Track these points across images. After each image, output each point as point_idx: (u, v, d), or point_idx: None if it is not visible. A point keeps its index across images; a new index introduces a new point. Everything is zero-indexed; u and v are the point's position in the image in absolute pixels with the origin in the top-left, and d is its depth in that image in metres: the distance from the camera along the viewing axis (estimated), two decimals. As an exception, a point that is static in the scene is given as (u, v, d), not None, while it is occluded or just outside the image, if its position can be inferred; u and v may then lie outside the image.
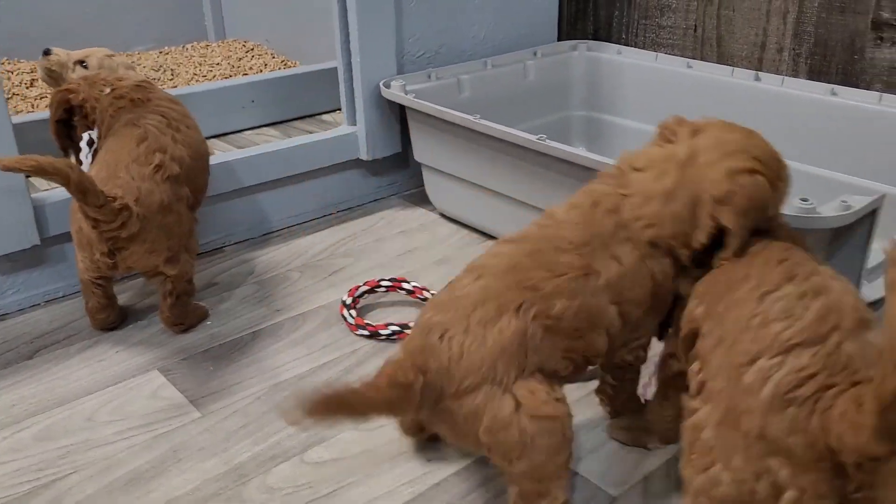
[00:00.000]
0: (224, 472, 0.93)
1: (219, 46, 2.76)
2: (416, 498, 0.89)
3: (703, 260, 0.82)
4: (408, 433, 0.96)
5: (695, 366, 0.75)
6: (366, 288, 1.26)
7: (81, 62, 1.41)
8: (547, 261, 0.79)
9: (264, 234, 1.54)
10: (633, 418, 0.96)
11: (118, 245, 1.05)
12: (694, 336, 0.77)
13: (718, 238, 0.80)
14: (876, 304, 1.18)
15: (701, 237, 0.79)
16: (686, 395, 0.75)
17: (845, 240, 1.05)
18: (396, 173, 1.72)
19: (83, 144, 1.18)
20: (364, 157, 1.61)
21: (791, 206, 0.98)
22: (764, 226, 0.82)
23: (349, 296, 1.24)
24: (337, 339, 1.19)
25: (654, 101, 1.71)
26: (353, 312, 1.21)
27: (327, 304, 1.28)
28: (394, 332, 1.17)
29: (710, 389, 0.70)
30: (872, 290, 1.14)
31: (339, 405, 0.69)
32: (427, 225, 1.58)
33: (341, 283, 1.35)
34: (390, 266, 1.40)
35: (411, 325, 1.10)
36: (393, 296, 1.29)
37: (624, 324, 0.82)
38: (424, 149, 1.57)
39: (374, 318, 1.23)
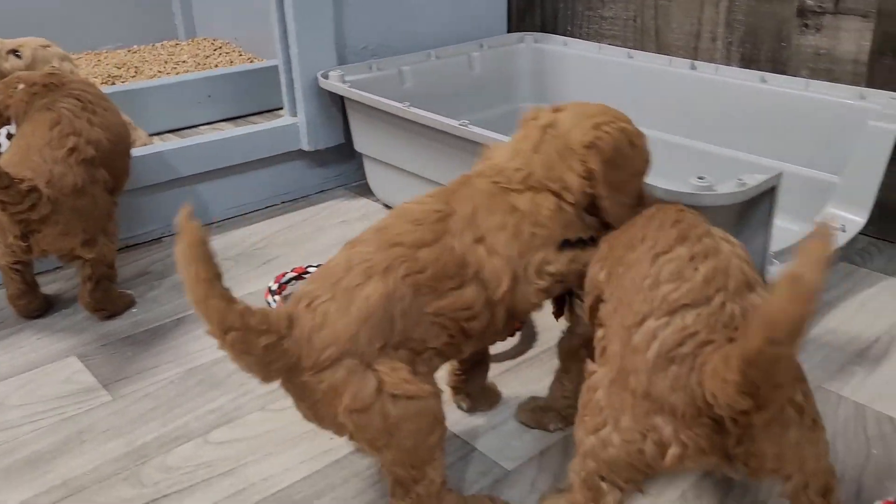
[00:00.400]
0: (125, 452, 0.94)
1: (188, 45, 2.77)
2: (313, 474, 0.90)
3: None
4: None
5: (599, 332, 0.76)
6: (293, 275, 1.27)
7: (15, 51, 1.42)
8: (411, 216, 0.80)
9: (205, 225, 1.53)
10: (536, 399, 0.97)
11: (31, 228, 1.06)
12: (598, 302, 0.78)
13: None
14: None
15: (573, 182, 0.81)
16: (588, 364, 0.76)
17: (749, 218, 1.06)
18: (342, 164, 1.73)
19: (2, 140, 1.19)
20: (306, 147, 1.62)
21: (689, 185, 1.00)
22: (634, 192, 0.85)
23: (275, 282, 1.25)
24: (259, 324, 1.19)
25: (598, 91, 1.72)
26: (277, 298, 1.22)
27: (256, 291, 1.29)
28: None
29: (608, 352, 0.72)
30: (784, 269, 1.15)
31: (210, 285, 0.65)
32: (368, 214, 1.59)
33: (274, 271, 1.36)
34: (325, 255, 1.41)
35: None
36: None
37: (501, 259, 0.80)
38: (363, 139, 1.58)
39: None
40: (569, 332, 0.91)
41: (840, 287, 1.25)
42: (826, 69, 1.41)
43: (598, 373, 0.72)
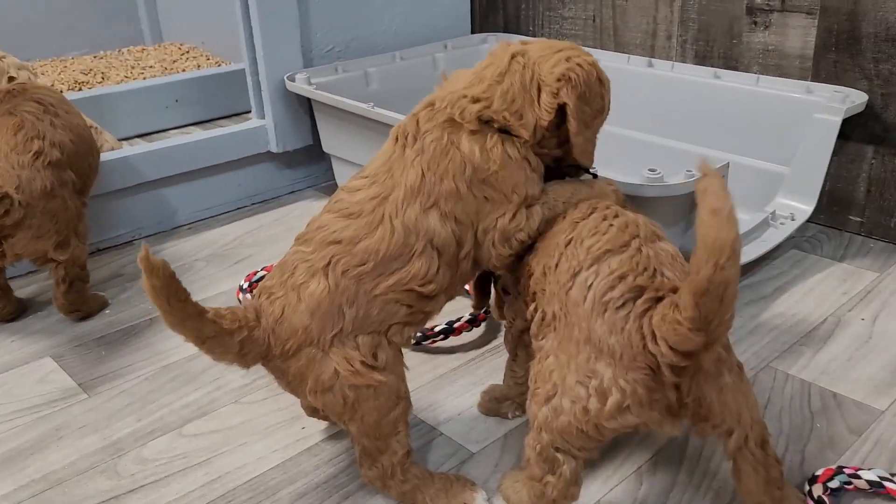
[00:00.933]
0: (102, 447, 0.96)
1: (155, 50, 2.78)
2: (286, 462, 0.93)
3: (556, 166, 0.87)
4: (308, 413, 0.97)
5: (532, 307, 0.81)
6: (263, 273, 1.30)
7: (-34, 66, 1.42)
8: (346, 211, 0.80)
9: (176, 227, 1.58)
10: (494, 389, 1.01)
11: (4, 233, 1.08)
12: (529, 277, 0.83)
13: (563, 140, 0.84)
14: (747, 266, 1.25)
15: (543, 115, 0.81)
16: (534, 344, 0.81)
17: (699, 208, 1.11)
18: (311, 166, 1.76)
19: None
20: (274, 149, 1.65)
21: (640, 176, 1.04)
22: (597, 132, 0.86)
23: (246, 280, 1.28)
24: (231, 321, 1.22)
25: (559, 89, 1.77)
26: (248, 296, 1.25)
27: (228, 290, 1.32)
28: None
29: (549, 317, 0.77)
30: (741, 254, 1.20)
31: (176, 298, 0.69)
32: (337, 214, 1.62)
33: (245, 270, 1.39)
34: (295, 253, 1.44)
35: None
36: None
37: (458, 224, 0.80)
38: (331, 140, 1.61)
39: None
40: (509, 323, 0.95)
41: (790, 273, 1.31)
42: (775, 64, 1.47)
43: (545, 341, 0.77)
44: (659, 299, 0.69)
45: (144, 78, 2.41)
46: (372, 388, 0.77)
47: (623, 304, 0.70)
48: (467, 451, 0.94)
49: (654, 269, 0.72)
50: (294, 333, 0.76)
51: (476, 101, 0.81)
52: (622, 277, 0.71)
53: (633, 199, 1.05)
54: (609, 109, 0.88)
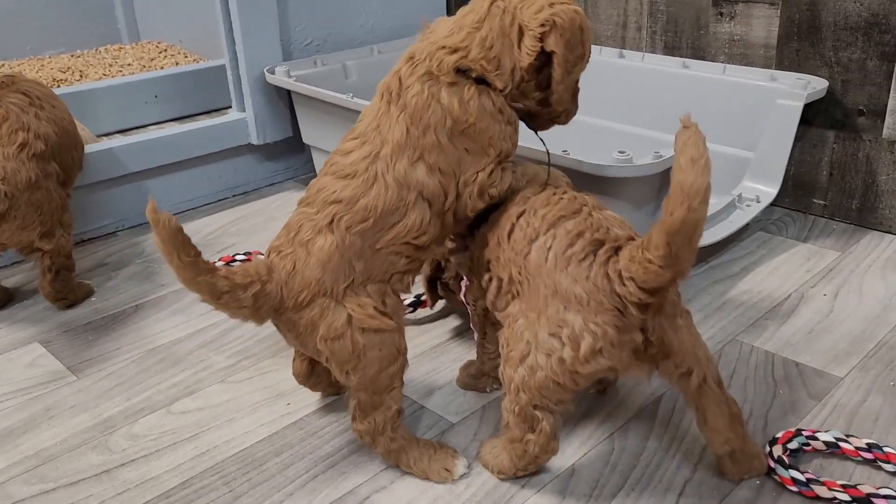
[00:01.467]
0: (92, 424, 0.99)
1: (132, 48, 2.79)
2: (272, 435, 0.96)
3: (532, 113, 0.89)
4: (300, 378, 0.99)
5: (485, 276, 0.87)
6: (221, 264, 1.27)
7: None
8: (342, 172, 0.84)
9: (158, 219, 1.59)
10: (471, 365, 1.05)
11: (-11, 224, 1.10)
12: (482, 252, 0.88)
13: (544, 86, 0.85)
14: (714, 246, 1.30)
15: (524, 58, 0.82)
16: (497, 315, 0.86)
17: (667, 191, 1.16)
18: (292, 157, 1.79)
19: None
20: (255, 141, 1.68)
21: (611, 158, 1.09)
22: (575, 71, 0.86)
23: (222, 261, 1.31)
24: (216, 306, 1.25)
25: (534, 81, 1.81)
26: None
27: (211, 277, 1.35)
28: None
29: (507, 284, 0.83)
30: (704, 237, 1.25)
31: (185, 253, 0.73)
32: (318, 204, 1.65)
33: (228, 259, 1.41)
34: (277, 242, 1.47)
35: None
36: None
37: (443, 175, 0.83)
38: (311, 131, 1.64)
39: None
40: (472, 305, 1.00)
41: (756, 253, 1.36)
42: (741, 54, 1.52)
43: (512, 306, 0.82)
44: (617, 249, 0.76)
45: (123, 75, 2.43)
46: (380, 334, 0.82)
47: (585, 257, 0.76)
48: (448, 421, 0.97)
49: (607, 228, 0.79)
50: (307, 285, 0.81)
51: (454, 51, 0.82)
52: (580, 234, 0.78)
53: (602, 181, 1.10)
54: (589, 57, 0.87)
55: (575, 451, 0.92)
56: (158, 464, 0.92)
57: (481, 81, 0.83)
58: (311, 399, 1.02)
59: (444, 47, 0.83)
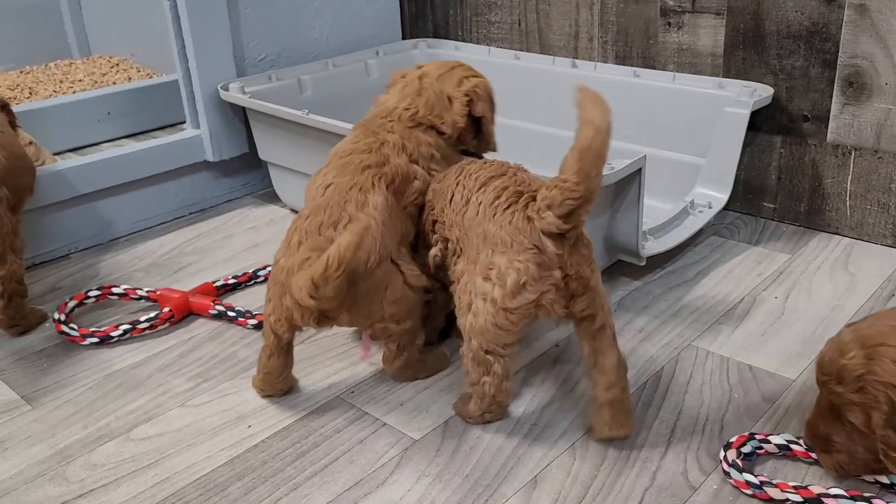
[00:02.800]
0: (49, 455, 0.97)
1: (83, 63, 2.75)
2: (233, 459, 0.96)
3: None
4: (272, 378, 1.05)
5: (434, 237, 1.02)
6: (74, 302, 1.25)
7: None
8: (359, 148, 1.05)
9: (112, 240, 1.58)
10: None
11: (-62, 250, 1.08)
12: (434, 223, 1.03)
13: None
14: (669, 253, 1.32)
15: (459, 120, 1.10)
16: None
17: (622, 198, 1.18)
18: (248, 174, 1.78)
19: None
20: (210, 158, 1.67)
21: (564, 171, 1.10)
22: (494, 118, 1.15)
23: (60, 312, 1.23)
24: (173, 328, 1.24)
25: (489, 91, 1.83)
26: (74, 326, 1.21)
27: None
28: (126, 331, 1.19)
29: (454, 244, 0.96)
30: (658, 244, 1.27)
31: None
32: (276, 220, 1.65)
33: (186, 278, 1.40)
34: (237, 260, 1.47)
35: (141, 319, 1.19)
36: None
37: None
38: (267, 147, 1.64)
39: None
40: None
41: (710, 258, 1.39)
42: (689, 62, 1.55)
43: (460, 264, 0.94)
44: (535, 196, 0.87)
45: (74, 92, 2.39)
46: (422, 291, 1.00)
47: (508, 206, 0.88)
48: (410, 438, 0.98)
49: (529, 182, 0.92)
50: (374, 248, 0.92)
51: (406, 109, 1.11)
52: (504, 188, 0.91)
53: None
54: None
55: (536, 463, 0.93)
56: (118, 493, 0.91)
57: (432, 128, 1.11)
58: (271, 421, 1.02)
59: (397, 108, 1.11)
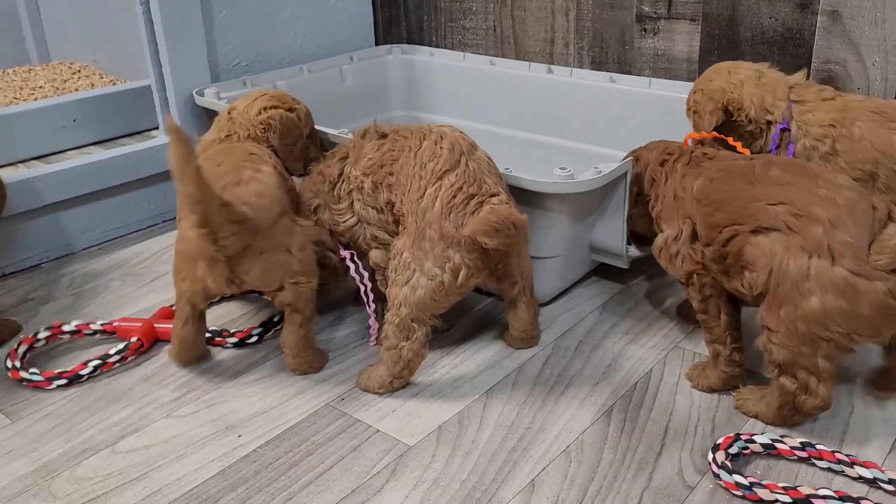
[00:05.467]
0: (33, 470, 0.94)
1: (43, 70, 2.68)
2: (225, 469, 0.94)
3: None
4: (186, 345, 1.10)
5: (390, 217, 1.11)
6: (25, 347, 1.16)
7: None
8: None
9: (85, 248, 1.54)
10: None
11: None
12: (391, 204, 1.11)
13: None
14: (648, 257, 1.33)
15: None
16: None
17: (608, 202, 1.19)
18: (222, 181, 1.75)
19: None
20: (185, 165, 1.64)
21: (553, 175, 1.11)
22: (296, 147, 1.27)
23: (12, 360, 1.13)
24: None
25: (466, 97, 1.83)
26: (36, 370, 1.11)
27: (148, 307, 1.30)
28: (96, 367, 1.11)
29: (403, 225, 1.04)
30: (642, 248, 1.28)
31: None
32: (253, 227, 1.62)
33: (163, 287, 1.37)
34: (214, 268, 1.44)
35: (111, 353, 1.12)
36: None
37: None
38: (243, 153, 1.61)
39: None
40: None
41: (690, 260, 1.40)
42: (665, 68, 1.57)
43: (398, 241, 1.04)
44: (481, 202, 0.99)
45: (36, 99, 2.33)
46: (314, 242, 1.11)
47: (462, 208, 0.99)
48: (404, 444, 0.97)
49: (482, 181, 1.01)
50: (275, 200, 1.05)
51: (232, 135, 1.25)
52: (459, 188, 1.00)
53: (545, 197, 1.12)
54: (306, 132, 1.30)
55: (533, 466, 0.93)
56: (107, 507, 0.89)
57: None
58: (262, 430, 1.00)
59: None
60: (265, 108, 1.25)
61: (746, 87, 1.18)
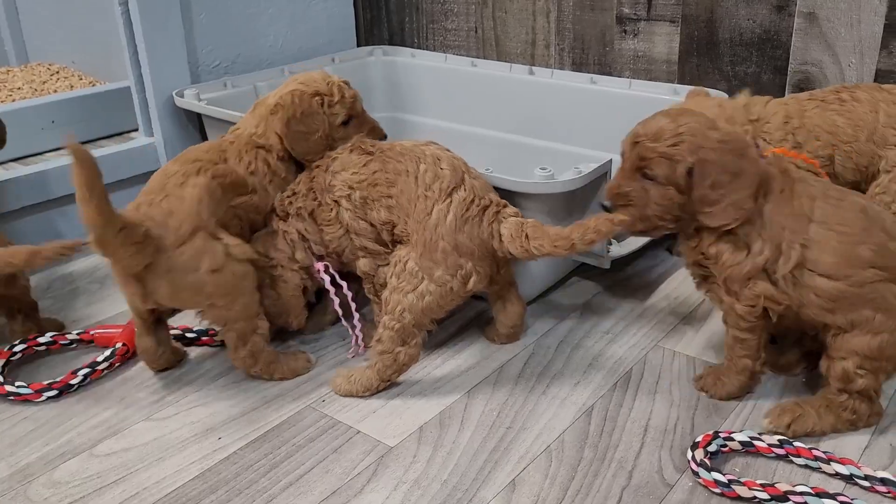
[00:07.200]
0: (9, 474, 0.93)
1: (21, 71, 2.66)
2: (205, 472, 0.93)
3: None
4: (148, 356, 1.10)
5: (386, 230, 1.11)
6: (2, 360, 1.12)
7: None
8: (199, 149, 1.14)
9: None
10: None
11: None
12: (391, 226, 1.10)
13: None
14: (630, 256, 1.34)
15: (269, 139, 1.17)
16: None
17: (588, 201, 1.20)
18: (203, 182, 1.74)
19: None
20: (165, 166, 1.63)
21: (534, 176, 1.11)
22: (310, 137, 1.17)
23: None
24: (134, 340, 1.20)
25: (447, 98, 1.83)
26: (23, 383, 1.08)
27: (127, 310, 1.29)
28: (86, 376, 1.09)
29: (406, 238, 1.05)
30: (622, 248, 1.29)
31: (92, 183, 0.86)
32: (234, 229, 1.61)
33: (143, 289, 1.36)
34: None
35: (99, 360, 1.11)
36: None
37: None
38: (223, 155, 1.60)
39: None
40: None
41: (670, 260, 1.41)
42: (645, 69, 1.58)
43: (401, 251, 1.05)
44: (497, 212, 1.04)
45: (14, 100, 2.31)
46: (250, 265, 1.03)
47: (477, 219, 1.02)
48: (385, 445, 0.97)
49: (487, 193, 1.05)
50: (187, 219, 0.97)
51: (252, 134, 1.19)
52: (472, 202, 1.03)
53: (527, 197, 1.12)
54: (338, 119, 1.20)
55: (514, 466, 0.93)
56: (85, 511, 0.88)
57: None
58: (243, 432, 1.00)
59: (245, 133, 1.21)
60: (283, 93, 1.18)
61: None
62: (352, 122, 1.21)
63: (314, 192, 1.13)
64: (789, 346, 1.07)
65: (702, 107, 1.17)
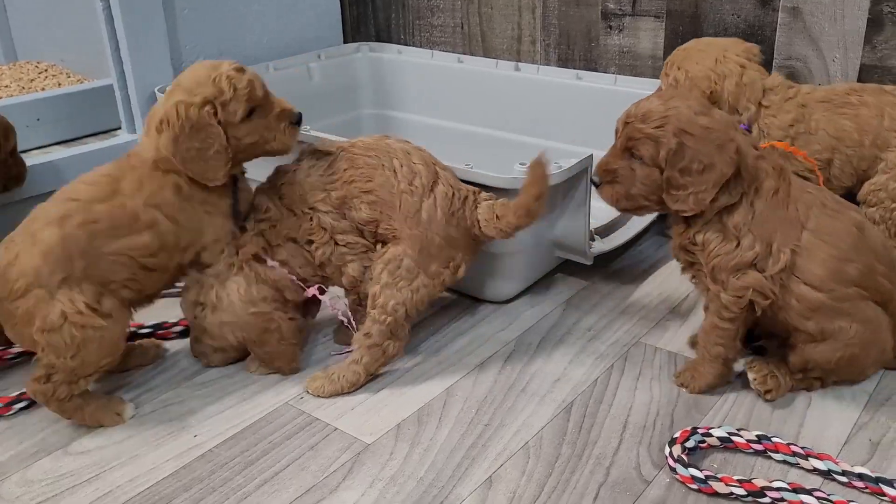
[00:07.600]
0: (-19, 473, 0.93)
1: (9, 69, 2.65)
2: (179, 470, 0.92)
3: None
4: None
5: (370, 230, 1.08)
6: None
7: None
8: (86, 180, 1.00)
9: (45, 248, 1.51)
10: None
11: None
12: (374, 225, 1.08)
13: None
14: (615, 252, 1.34)
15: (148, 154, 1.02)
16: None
17: (570, 198, 1.19)
18: (187, 179, 1.73)
19: None
20: (148, 164, 1.62)
21: (513, 171, 1.10)
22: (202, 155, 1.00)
23: None
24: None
25: (434, 95, 1.83)
26: None
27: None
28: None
29: (392, 236, 1.04)
30: (605, 244, 1.28)
31: None
32: (218, 226, 1.60)
33: (124, 287, 1.35)
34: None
35: None
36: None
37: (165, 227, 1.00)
38: (207, 151, 1.59)
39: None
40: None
41: (655, 256, 1.40)
42: (630, 65, 1.57)
43: (393, 249, 1.04)
44: (474, 200, 1.06)
45: (0, 98, 2.30)
46: (96, 330, 0.93)
47: (461, 211, 1.05)
48: (362, 442, 0.96)
49: (458, 184, 1.07)
50: (25, 274, 0.91)
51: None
52: (452, 195, 1.05)
53: (507, 193, 1.11)
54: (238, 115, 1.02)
55: (491, 462, 0.92)
56: (56, 510, 0.87)
57: None
58: (219, 429, 0.99)
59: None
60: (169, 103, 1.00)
61: (727, 83, 1.20)
62: (256, 111, 1.03)
63: (290, 209, 1.06)
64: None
65: (724, 61, 1.20)
